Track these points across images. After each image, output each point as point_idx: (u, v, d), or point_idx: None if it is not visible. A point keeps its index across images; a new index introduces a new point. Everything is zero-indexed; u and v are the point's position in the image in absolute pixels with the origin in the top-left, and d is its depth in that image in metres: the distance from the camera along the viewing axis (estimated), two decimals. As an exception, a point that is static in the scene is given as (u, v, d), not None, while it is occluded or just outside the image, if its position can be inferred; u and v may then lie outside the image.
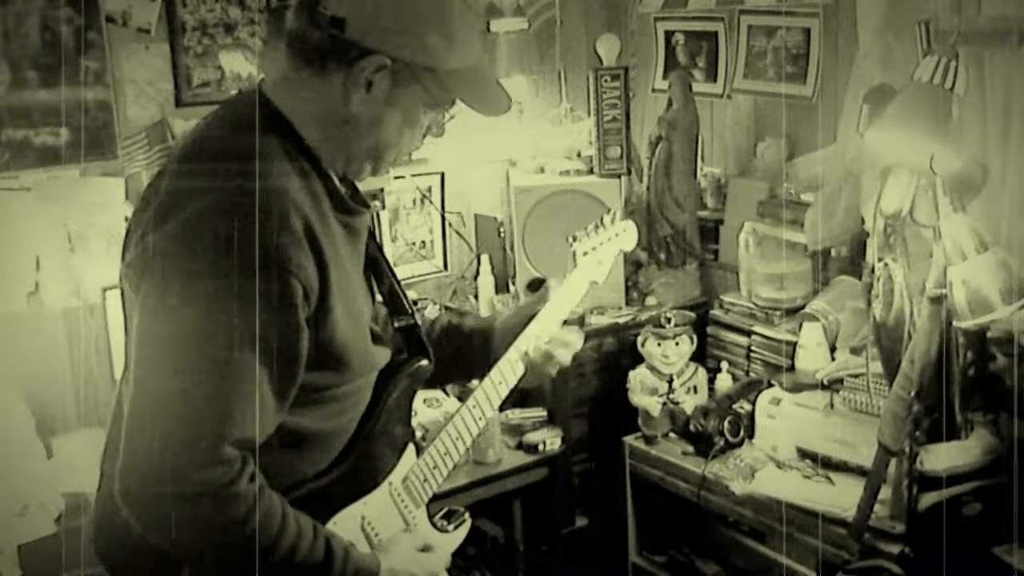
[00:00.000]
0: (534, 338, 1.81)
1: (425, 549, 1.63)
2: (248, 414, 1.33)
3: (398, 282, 1.70)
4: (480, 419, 1.75)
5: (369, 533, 1.59)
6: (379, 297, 1.69)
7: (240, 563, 1.35)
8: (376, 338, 1.61)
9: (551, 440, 3.20)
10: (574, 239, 1.92)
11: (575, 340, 1.85)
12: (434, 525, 1.73)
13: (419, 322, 1.72)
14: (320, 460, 1.54)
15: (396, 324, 1.70)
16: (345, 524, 1.55)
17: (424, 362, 1.68)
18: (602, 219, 1.99)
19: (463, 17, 1.48)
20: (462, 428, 1.74)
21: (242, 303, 1.31)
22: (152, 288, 1.35)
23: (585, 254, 1.92)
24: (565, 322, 1.89)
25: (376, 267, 1.65)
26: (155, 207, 1.39)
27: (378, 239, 1.67)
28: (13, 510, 2.64)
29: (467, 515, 1.79)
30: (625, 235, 2.04)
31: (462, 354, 1.84)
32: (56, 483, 2.75)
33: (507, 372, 1.79)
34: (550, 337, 1.82)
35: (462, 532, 1.77)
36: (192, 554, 1.38)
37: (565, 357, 1.83)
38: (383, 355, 1.62)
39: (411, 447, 1.68)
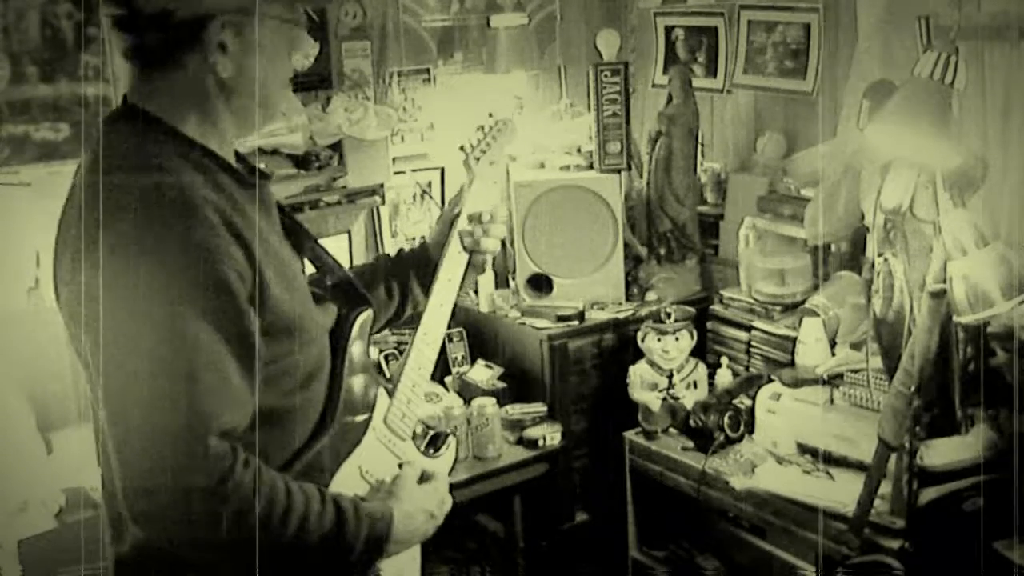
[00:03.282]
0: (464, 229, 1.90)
1: (425, 479, 1.68)
2: (223, 404, 1.36)
3: (317, 243, 1.75)
4: (436, 340, 1.81)
5: (369, 480, 1.65)
6: (308, 262, 1.73)
7: (257, 548, 1.37)
8: (318, 299, 1.65)
9: (551, 435, 3.20)
10: (461, 149, 1.97)
11: (500, 229, 1.91)
12: (423, 454, 1.79)
13: (351, 275, 1.77)
14: (301, 432, 1.57)
15: (329, 281, 1.74)
16: (345, 480, 1.60)
17: (367, 311, 1.72)
18: (483, 126, 2.02)
19: None
20: (423, 348, 1.79)
21: (184, 305, 1.34)
22: (94, 314, 1.37)
23: (477, 160, 1.96)
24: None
25: (295, 236, 1.68)
26: (76, 232, 1.40)
27: (286, 210, 1.71)
28: (13, 506, 2.64)
29: (450, 435, 1.85)
30: (507, 130, 2.05)
31: (411, 278, 1.91)
32: (56, 479, 2.75)
33: (452, 265, 1.86)
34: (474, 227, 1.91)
35: (452, 452, 1.84)
36: (206, 550, 1.40)
37: (493, 243, 1.90)
38: (330, 312, 1.67)
39: (381, 391, 1.73)
